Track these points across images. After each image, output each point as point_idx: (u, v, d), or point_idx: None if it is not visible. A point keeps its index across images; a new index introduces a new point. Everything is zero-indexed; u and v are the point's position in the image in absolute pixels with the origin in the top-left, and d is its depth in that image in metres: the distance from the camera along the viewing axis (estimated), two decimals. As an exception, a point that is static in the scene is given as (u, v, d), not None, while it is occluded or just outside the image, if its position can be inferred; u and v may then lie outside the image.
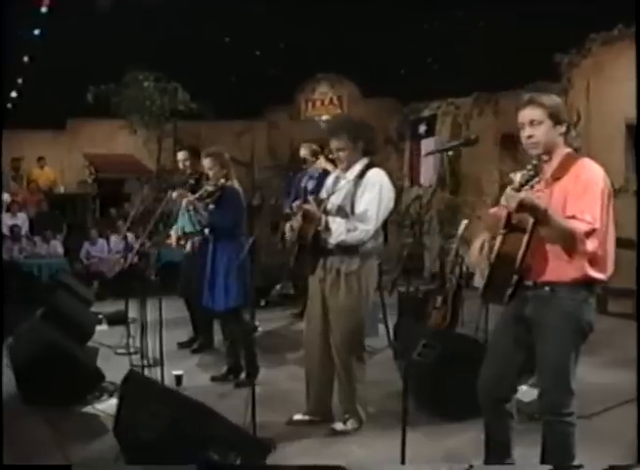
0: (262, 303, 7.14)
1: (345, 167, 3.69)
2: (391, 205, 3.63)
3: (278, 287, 7.36)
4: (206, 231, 4.62)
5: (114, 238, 9.59)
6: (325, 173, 6.42)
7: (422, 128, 10.62)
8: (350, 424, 3.76)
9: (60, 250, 9.32)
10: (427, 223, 10.66)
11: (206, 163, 4.57)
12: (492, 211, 3.09)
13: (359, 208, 3.54)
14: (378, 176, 3.60)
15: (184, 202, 4.48)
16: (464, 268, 5.31)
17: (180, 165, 5.60)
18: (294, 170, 7.11)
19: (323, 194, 3.72)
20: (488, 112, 9.59)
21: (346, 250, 3.58)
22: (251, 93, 11.51)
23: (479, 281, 2.90)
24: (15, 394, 4.08)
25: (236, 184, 4.65)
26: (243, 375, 4.70)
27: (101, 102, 10.96)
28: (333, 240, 3.55)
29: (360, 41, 10.93)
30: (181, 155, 5.61)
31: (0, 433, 3.38)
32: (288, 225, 3.68)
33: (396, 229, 9.23)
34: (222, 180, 4.56)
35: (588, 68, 7.95)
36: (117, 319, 6.28)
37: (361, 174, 3.62)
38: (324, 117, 12.43)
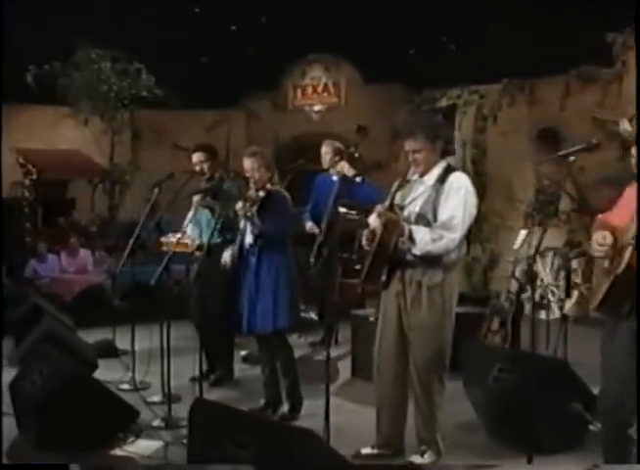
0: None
1: (423, 171, 4.08)
2: (475, 211, 4.06)
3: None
4: (248, 242, 4.98)
5: (65, 254, 9.83)
6: (344, 179, 6.90)
7: (438, 121, 11.26)
8: (428, 457, 4.07)
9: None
10: None
11: (249, 164, 4.92)
12: (603, 216, 3.56)
13: (443, 215, 3.92)
14: (461, 180, 4.02)
15: (240, 210, 4.82)
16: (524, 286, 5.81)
17: (197, 168, 5.96)
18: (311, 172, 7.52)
19: (395, 201, 4.13)
20: (521, 101, 10.11)
21: (429, 261, 3.93)
22: (227, 77, 11.80)
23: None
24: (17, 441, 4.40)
25: (281, 188, 5.02)
26: (283, 408, 5.04)
27: (43, 85, 11.09)
28: (417, 251, 3.90)
29: (360, 15, 11.32)
30: (197, 156, 5.98)
31: None
32: (365, 235, 4.10)
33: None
34: (268, 184, 4.94)
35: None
36: (106, 351, 6.59)
37: (442, 178, 4.06)
38: (316, 108, 12.82)
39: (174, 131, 12.71)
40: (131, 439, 4.43)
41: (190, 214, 6.34)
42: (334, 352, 6.79)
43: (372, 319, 5.98)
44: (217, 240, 5.74)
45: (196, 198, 5.85)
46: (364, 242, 4.13)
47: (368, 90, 12.58)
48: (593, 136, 8.24)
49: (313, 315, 7.62)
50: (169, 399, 4.90)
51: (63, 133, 12.34)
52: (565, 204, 9.72)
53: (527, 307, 6.17)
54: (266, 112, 13.13)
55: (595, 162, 8.29)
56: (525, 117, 10.09)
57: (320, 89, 12.98)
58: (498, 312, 5.80)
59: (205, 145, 6.11)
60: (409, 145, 4.07)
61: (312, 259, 6.66)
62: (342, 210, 6.73)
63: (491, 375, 4.47)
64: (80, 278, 9.49)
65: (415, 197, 4.09)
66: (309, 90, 13.06)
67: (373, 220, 4.14)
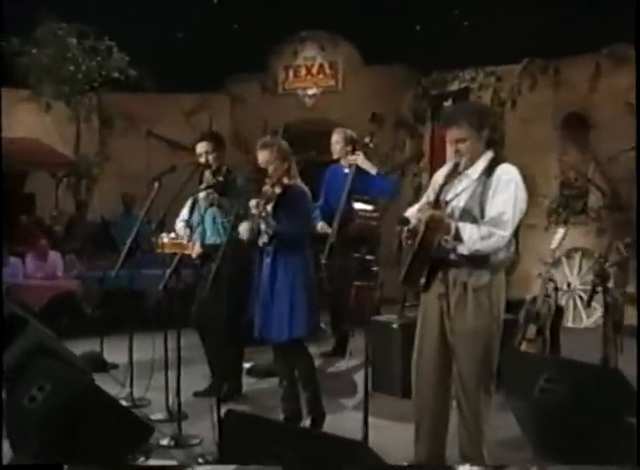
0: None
1: (467, 163, 4.30)
2: (525, 207, 4.26)
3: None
4: (262, 241, 5.12)
5: (32, 257, 9.92)
6: (359, 172, 7.09)
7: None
8: (474, 474, 4.34)
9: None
10: None
11: (263, 156, 5.06)
12: None
13: (492, 211, 4.07)
14: (510, 173, 4.16)
15: (253, 208, 4.92)
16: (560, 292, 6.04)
17: (202, 160, 6.10)
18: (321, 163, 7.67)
19: (434, 196, 4.31)
20: (545, 84, 10.30)
21: (475, 260, 4.09)
22: (208, 56, 11.88)
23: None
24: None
25: (299, 182, 5.20)
26: (304, 423, 5.20)
27: (-3, 63, 11.19)
28: (465, 250, 4.05)
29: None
30: (202, 146, 6.09)
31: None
32: (405, 233, 4.27)
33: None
34: (285, 178, 5.10)
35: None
36: (94, 365, 6.72)
37: (488, 171, 4.24)
38: (310, 92, 12.99)
39: (149, 118, 12.88)
40: (141, 459, 4.58)
41: (184, 212, 6.50)
42: (348, 364, 7.01)
43: (394, 326, 6.21)
44: (222, 239, 5.91)
45: (202, 195, 5.98)
46: (403, 240, 4.28)
47: (368, 72, 12.74)
48: (626, 123, 8.54)
49: (322, 325, 7.78)
50: (179, 415, 5.06)
51: (21, 119, 12.28)
52: (594, 199, 9.93)
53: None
54: (253, 96, 13.25)
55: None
56: (548, 101, 10.28)
57: (314, 71, 13.11)
58: (534, 319, 6.00)
59: (211, 133, 6.27)
60: (452, 134, 4.22)
61: (324, 261, 6.85)
62: (357, 205, 6.92)
63: (537, 386, 4.63)
64: (50, 284, 9.57)
65: (458, 191, 4.24)
66: (302, 72, 13.19)
67: (412, 215, 4.30)
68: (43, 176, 12.41)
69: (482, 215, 4.14)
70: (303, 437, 3.59)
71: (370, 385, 6.25)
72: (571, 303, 9.84)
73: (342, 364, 7.16)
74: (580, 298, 9.73)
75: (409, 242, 4.25)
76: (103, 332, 7.39)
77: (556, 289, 6.20)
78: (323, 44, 13.03)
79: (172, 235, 6.39)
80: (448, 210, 4.21)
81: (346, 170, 7.20)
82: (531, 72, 10.50)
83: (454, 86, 11.37)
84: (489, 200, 4.14)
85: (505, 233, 4.10)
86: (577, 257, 9.91)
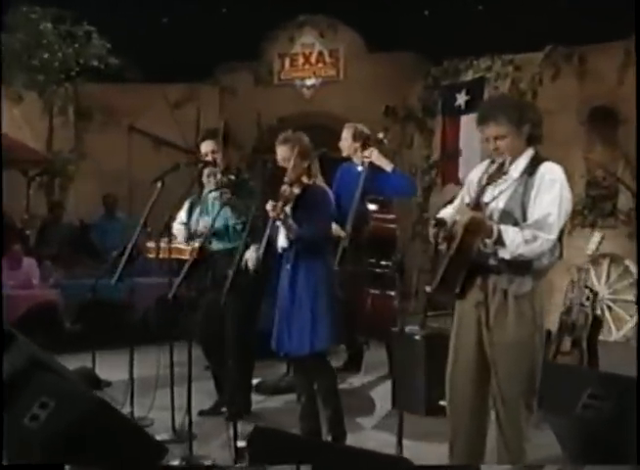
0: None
1: (507, 161, 4.32)
2: (570, 208, 4.34)
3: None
4: (280, 245, 5.21)
5: (5, 264, 9.96)
6: (374, 169, 7.17)
7: (461, 98, 11.48)
8: (513, 496, 4.43)
9: None
10: None
11: (282, 152, 5.18)
12: None
13: (536, 213, 4.15)
14: (555, 172, 4.22)
15: (271, 211, 4.98)
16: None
17: (208, 158, 6.21)
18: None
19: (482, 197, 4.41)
20: (569, 74, 10.39)
21: (517, 266, 4.18)
22: (196, 43, 11.91)
23: None
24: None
25: (321, 182, 5.30)
26: (324, 442, 5.35)
27: (-37, 51, 11.20)
28: (507, 254, 4.14)
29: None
30: (208, 145, 6.23)
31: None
32: (440, 236, 4.36)
33: (420, 246, 9.86)
34: (304, 177, 5.20)
35: None
36: (87, 381, 6.80)
37: (530, 170, 4.30)
38: (309, 82, 13.08)
39: (131, 111, 12.92)
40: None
41: (182, 215, 6.60)
42: (363, 379, 7.12)
43: (417, 338, 6.32)
44: (234, 244, 6.02)
45: (213, 194, 6.08)
46: (440, 243, 4.38)
47: (373, 61, 12.83)
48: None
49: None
50: (190, 435, 5.16)
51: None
52: (624, 200, 10.00)
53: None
54: (245, 87, 13.30)
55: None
56: (573, 93, 10.35)
57: (313, 59, 13.20)
58: (570, 330, 6.13)
59: (217, 130, 6.34)
60: (490, 130, 4.30)
61: (336, 267, 6.94)
62: (372, 206, 7.04)
63: (580, 402, 4.77)
64: (26, 294, 9.61)
65: (497, 192, 4.31)
66: (300, 60, 13.28)
67: (448, 217, 4.40)
68: (13, 175, 12.36)
69: (524, 218, 4.22)
70: (342, 454, 3.71)
71: (391, 402, 6.48)
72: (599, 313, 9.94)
73: (356, 380, 7.27)
74: (609, 308, 9.84)
75: (445, 246, 4.35)
76: (89, 347, 7.43)
77: (592, 297, 6.29)
78: (322, 30, 13.09)
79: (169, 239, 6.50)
80: (487, 211, 4.29)
81: (359, 168, 7.27)
82: (554, 61, 10.59)
83: (468, 76, 11.47)
84: (532, 201, 4.22)
85: (550, 236, 4.17)
86: (605, 263, 9.99)
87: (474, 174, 4.60)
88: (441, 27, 11.32)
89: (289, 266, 5.23)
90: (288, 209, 5.13)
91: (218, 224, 6.07)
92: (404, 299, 6.77)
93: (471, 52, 11.41)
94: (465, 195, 4.57)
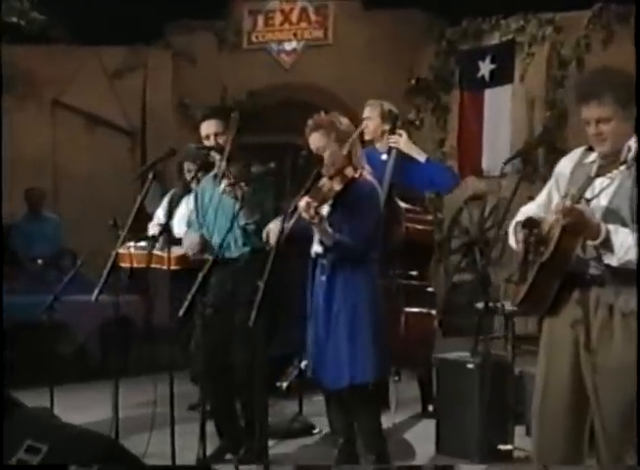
0: (283, 385, 8.10)
1: (610, 149, 4.50)
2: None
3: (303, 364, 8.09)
4: (315, 252, 5.48)
5: None
6: (403, 158, 7.41)
7: (485, 67, 11.81)
8: None
9: None
10: (496, 245, 11.66)
11: (316, 139, 5.43)
12: None
13: None
14: None
15: (304, 211, 5.14)
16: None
17: (209, 142, 6.45)
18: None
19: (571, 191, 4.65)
20: (624, 38, 10.52)
21: (625, 276, 4.36)
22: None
23: None
24: None
25: (367, 175, 5.57)
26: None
27: None
28: (614, 261, 4.35)
29: None
30: (210, 126, 6.47)
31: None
32: (531, 239, 4.60)
33: (436, 254, 10.15)
34: (349, 169, 5.44)
35: None
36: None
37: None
38: (289, 46, 13.20)
39: (57, 80, 12.96)
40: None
41: (159, 213, 6.84)
42: (394, 419, 7.35)
43: (470, 367, 6.58)
44: (245, 249, 6.31)
45: (222, 186, 6.24)
46: (530, 248, 4.62)
47: (370, 20, 13.01)
48: None
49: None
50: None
51: None
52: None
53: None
54: (206, 52, 13.40)
55: None
56: (629, 61, 10.63)
57: (294, 17, 13.35)
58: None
59: (222, 109, 6.49)
60: (592, 112, 4.49)
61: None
62: (404, 205, 7.30)
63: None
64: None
65: (599, 186, 4.51)
66: (277, 19, 13.43)
67: (536, 216, 4.68)
68: None
69: (634, 217, 4.41)
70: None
71: (433, 445, 6.77)
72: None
73: (385, 419, 7.52)
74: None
75: (533, 251, 4.58)
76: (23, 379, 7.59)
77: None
78: (306, -21, 13.19)
79: (143, 244, 6.70)
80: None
81: (384, 157, 7.46)
82: (605, 22, 10.86)
83: (494, 39, 11.74)
84: None
85: None
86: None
87: (564, 165, 4.82)
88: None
89: (324, 278, 5.48)
90: (325, 209, 5.35)
91: (220, 225, 6.24)
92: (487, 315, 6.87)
93: (497, 9, 11.63)
94: (553, 190, 4.81)
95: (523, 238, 4.63)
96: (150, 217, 8.16)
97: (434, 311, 7.29)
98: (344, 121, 5.60)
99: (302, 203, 5.21)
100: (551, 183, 4.90)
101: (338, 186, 5.42)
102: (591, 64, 10.87)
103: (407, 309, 7.11)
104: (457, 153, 12.15)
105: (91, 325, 10.03)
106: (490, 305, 5.70)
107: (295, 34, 13.33)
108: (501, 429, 6.42)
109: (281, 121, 12.13)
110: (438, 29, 12.48)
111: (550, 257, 4.47)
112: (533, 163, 11.00)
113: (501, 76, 11.59)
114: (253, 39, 13.51)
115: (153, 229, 7.11)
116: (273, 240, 5.53)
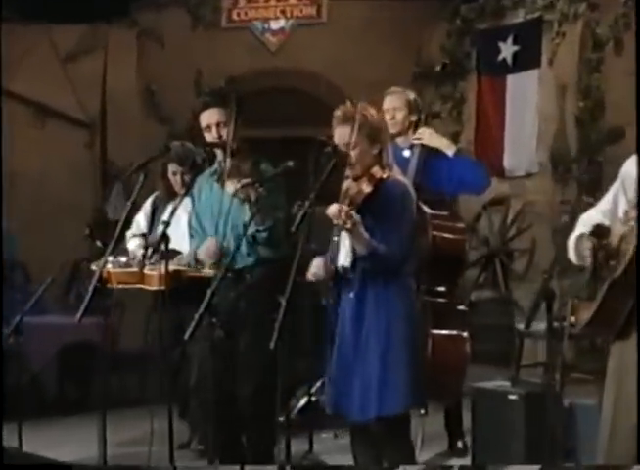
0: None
1: None
2: None
3: (304, 400, 8.07)
4: (341, 266, 5.47)
5: None
6: (428, 154, 7.46)
7: (507, 50, 11.82)
8: None
9: None
10: (522, 256, 11.71)
11: (342, 135, 5.39)
12: None
13: None
14: None
15: (335, 217, 5.14)
16: None
17: (210, 136, 6.53)
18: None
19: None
20: None
21: None
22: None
23: None
24: None
25: (398, 175, 5.58)
26: None
27: None
28: None
29: None
30: (212, 115, 6.55)
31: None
32: (600, 251, 4.67)
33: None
34: (376, 169, 5.47)
35: None
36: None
37: None
38: (275, 25, 13.16)
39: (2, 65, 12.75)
40: None
41: (140, 222, 6.90)
42: (421, 457, 7.40)
43: (513, 397, 6.64)
44: (249, 260, 6.40)
45: (230, 188, 6.28)
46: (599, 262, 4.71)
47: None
48: None
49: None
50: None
51: None
52: None
53: None
54: (178, 31, 13.37)
55: None
56: None
57: (283, -8, 13.29)
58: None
59: (225, 95, 6.52)
60: None
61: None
62: (429, 210, 7.35)
63: None
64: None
65: None
66: (261, -7, 13.37)
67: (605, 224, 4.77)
68: None
69: None
70: None
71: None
72: None
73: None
74: None
75: (605, 264, 4.67)
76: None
77: None
78: (295, -51, 13.22)
79: (123, 259, 6.73)
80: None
81: (407, 153, 7.52)
82: (648, -2, 10.81)
83: (517, 17, 11.78)
84: None
85: None
86: None
87: (631, 165, 4.83)
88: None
89: (352, 295, 5.47)
90: (355, 215, 5.27)
91: (226, 230, 6.31)
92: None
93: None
94: (619, 193, 4.87)
95: (591, 251, 4.70)
96: (110, 225, 8.17)
97: (465, 333, 7.29)
98: (375, 114, 5.56)
99: (333, 209, 5.23)
100: (617, 186, 4.94)
101: (367, 188, 5.38)
102: (630, 45, 10.92)
103: (434, 331, 7.11)
104: (474, 149, 11.93)
105: (48, 352, 9.93)
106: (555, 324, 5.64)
107: (282, 11, 13.26)
108: (549, 467, 6.49)
109: (266, 112, 12.07)
110: (452, 5, 12.42)
111: (623, 272, 4.54)
112: (567, 163, 11.11)
113: (526, 60, 11.59)
114: (234, 17, 13.41)
115: (132, 240, 7.11)
116: (320, 278, 5.63)
